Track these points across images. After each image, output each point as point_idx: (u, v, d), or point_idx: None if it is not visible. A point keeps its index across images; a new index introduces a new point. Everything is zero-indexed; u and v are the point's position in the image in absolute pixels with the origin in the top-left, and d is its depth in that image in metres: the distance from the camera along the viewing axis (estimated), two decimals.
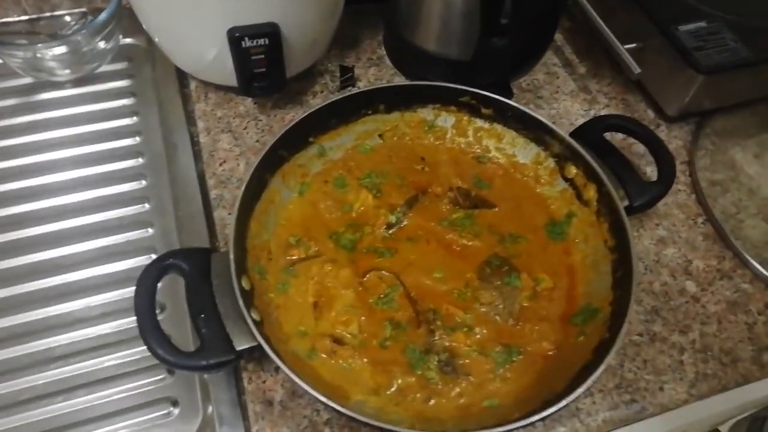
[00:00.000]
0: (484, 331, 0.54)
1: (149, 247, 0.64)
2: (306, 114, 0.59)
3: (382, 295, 0.56)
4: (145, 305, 0.48)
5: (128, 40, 0.79)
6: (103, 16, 0.69)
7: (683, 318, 0.60)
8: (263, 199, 0.58)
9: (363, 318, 0.55)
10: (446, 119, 0.65)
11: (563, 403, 0.45)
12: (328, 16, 0.68)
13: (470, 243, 0.59)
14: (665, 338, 0.59)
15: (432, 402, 0.51)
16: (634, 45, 0.70)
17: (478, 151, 0.66)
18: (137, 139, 0.72)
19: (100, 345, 0.58)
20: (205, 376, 0.56)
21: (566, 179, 0.62)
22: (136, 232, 0.65)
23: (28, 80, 0.75)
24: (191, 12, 0.60)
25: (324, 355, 0.53)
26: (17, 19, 0.75)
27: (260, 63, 0.62)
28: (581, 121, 0.66)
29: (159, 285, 0.50)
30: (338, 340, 0.53)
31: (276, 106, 0.72)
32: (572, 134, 0.61)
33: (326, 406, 0.45)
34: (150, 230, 0.66)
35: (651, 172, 0.70)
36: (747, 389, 0.59)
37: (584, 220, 0.60)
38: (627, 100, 0.77)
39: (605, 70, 0.79)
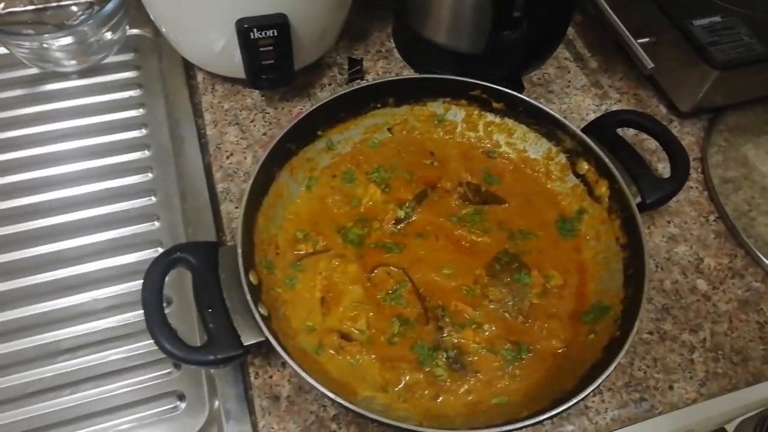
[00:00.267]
0: (493, 328, 0.54)
1: (156, 240, 0.64)
2: (314, 107, 0.59)
3: (390, 291, 0.56)
4: (152, 299, 0.48)
5: (135, 31, 0.79)
6: (109, 6, 0.69)
7: (694, 316, 0.60)
8: (271, 193, 0.57)
9: (371, 314, 0.54)
10: (456, 113, 0.65)
11: (573, 401, 0.45)
12: (337, 7, 0.67)
13: (479, 239, 0.59)
14: (676, 337, 0.59)
15: (440, 399, 0.51)
16: (647, 39, 0.69)
17: (489, 145, 0.65)
18: (143, 131, 0.72)
19: (106, 338, 0.58)
20: (212, 370, 0.56)
21: (578, 175, 0.61)
22: (143, 225, 0.65)
23: (34, 71, 0.74)
24: (199, 2, 0.60)
25: (331, 351, 0.52)
26: (24, 9, 0.74)
27: (269, 55, 0.62)
28: (592, 116, 0.65)
29: (166, 279, 0.50)
30: (346, 336, 0.53)
31: (284, 99, 0.72)
32: (584, 129, 0.60)
33: (333, 402, 0.45)
34: (156, 223, 0.65)
35: (663, 168, 0.69)
36: (755, 388, 0.59)
37: (596, 216, 0.59)
38: (639, 96, 0.76)
39: (617, 64, 0.78)
